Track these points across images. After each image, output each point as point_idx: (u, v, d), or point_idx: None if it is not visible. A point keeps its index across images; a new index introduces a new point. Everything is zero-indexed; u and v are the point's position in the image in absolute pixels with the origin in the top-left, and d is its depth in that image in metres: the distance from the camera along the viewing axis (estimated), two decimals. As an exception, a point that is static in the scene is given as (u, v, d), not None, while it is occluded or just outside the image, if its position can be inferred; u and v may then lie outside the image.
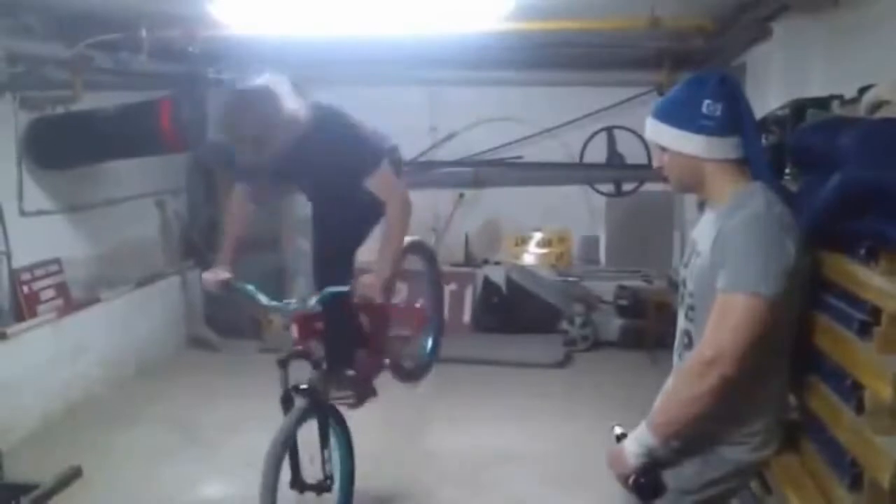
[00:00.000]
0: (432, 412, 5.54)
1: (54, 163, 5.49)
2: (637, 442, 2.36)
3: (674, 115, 2.39)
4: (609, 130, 7.08)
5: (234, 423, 5.31)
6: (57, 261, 5.64)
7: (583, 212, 7.36)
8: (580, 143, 7.01)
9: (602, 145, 7.16)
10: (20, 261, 5.30)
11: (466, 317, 7.33)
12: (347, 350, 4.02)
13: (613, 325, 7.07)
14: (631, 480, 2.38)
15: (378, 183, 3.59)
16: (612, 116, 7.11)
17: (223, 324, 7.11)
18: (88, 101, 5.49)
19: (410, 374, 4.48)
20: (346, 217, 3.87)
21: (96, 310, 5.84)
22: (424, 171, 7.22)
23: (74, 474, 4.40)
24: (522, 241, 7.54)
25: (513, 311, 7.13)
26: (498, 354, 6.59)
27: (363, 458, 3.99)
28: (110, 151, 5.54)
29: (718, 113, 2.31)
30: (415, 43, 5.75)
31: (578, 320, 6.98)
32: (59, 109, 5.50)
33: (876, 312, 2.20)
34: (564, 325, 7.03)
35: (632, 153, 6.98)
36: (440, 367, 4.70)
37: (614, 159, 7.15)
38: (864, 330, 2.25)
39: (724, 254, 2.24)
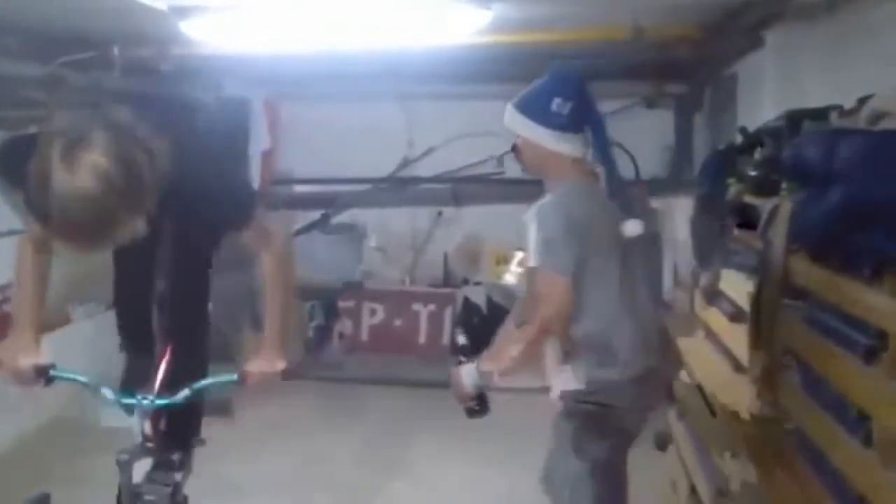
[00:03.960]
0: (417, 449, 5.27)
1: (25, 182, 5.28)
2: (471, 377, 2.89)
3: (528, 106, 2.77)
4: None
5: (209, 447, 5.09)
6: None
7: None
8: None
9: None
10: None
11: (445, 339, 7.12)
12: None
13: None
14: (465, 407, 2.94)
15: (252, 236, 2.75)
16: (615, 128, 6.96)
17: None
18: (62, 120, 5.29)
19: None
20: (196, 271, 3.11)
21: (67, 330, 5.68)
22: (401, 188, 7.08)
23: (42, 500, 4.22)
24: (504, 260, 7.33)
25: (494, 333, 6.87)
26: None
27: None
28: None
29: (566, 111, 2.71)
30: (389, 57, 5.63)
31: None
32: (33, 129, 5.31)
33: (882, 336, 2.07)
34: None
35: (619, 168, 6.86)
36: (420, 394, 4.35)
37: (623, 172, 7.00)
38: (870, 355, 2.11)
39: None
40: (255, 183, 6.64)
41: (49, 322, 5.42)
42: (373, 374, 6.58)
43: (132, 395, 2.69)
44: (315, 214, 7.46)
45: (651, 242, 3.06)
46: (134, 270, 3.16)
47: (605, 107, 6.81)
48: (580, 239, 2.74)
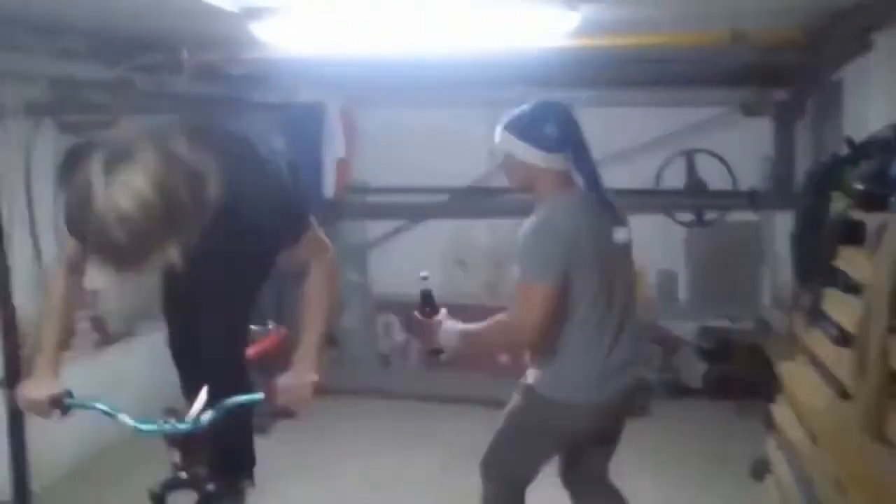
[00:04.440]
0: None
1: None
2: (448, 336, 3.07)
3: (520, 128, 3.04)
4: (689, 154, 6.57)
5: (277, 466, 4.89)
6: (92, 293, 5.32)
7: (658, 244, 6.71)
8: (655, 169, 6.51)
9: (680, 170, 6.65)
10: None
11: (527, 358, 6.76)
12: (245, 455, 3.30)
13: (695, 370, 6.43)
14: (430, 351, 3.16)
15: (304, 248, 2.71)
16: (689, 138, 6.55)
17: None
18: (128, 126, 5.13)
19: None
20: (234, 288, 3.04)
21: (133, 344, 5.53)
22: (482, 199, 6.77)
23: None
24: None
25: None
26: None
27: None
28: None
29: (556, 133, 3.00)
30: (472, 61, 5.34)
31: (656, 364, 6.39)
32: (98, 134, 5.17)
33: None
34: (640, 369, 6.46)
35: (714, 179, 6.44)
36: (488, 413, 4.11)
37: (694, 186, 6.60)
38: None
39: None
40: (329, 191, 6.45)
41: (113, 335, 5.35)
42: (450, 393, 6.29)
43: (153, 422, 2.57)
44: (392, 225, 7.23)
45: (628, 252, 3.22)
46: (181, 287, 3.09)
47: (698, 114, 6.66)
48: (565, 252, 2.93)
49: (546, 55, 5.10)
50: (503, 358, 6.78)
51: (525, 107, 3.09)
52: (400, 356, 7.00)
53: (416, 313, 3.16)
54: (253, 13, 4.27)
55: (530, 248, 2.95)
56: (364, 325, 6.96)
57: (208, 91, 5.52)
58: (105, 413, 2.57)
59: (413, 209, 6.97)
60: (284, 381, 2.66)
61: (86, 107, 4.98)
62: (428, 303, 3.15)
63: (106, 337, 5.39)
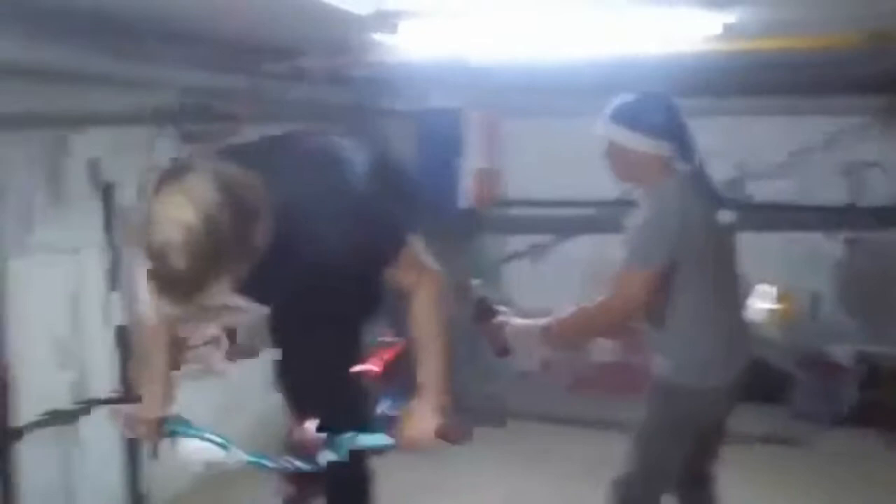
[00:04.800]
0: None
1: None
2: (520, 334, 3.13)
3: (626, 117, 3.11)
4: (853, 166, 6.02)
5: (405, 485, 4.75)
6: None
7: (812, 261, 6.29)
8: (809, 181, 6.01)
9: (838, 184, 6.11)
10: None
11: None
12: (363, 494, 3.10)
13: (852, 397, 5.97)
14: (499, 352, 3.17)
15: (404, 272, 2.47)
16: (849, 148, 6.04)
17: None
18: (251, 134, 5.01)
19: None
20: (338, 312, 2.84)
21: (257, 363, 5.28)
22: (627, 213, 6.39)
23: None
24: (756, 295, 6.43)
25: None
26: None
27: None
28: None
29: (659, 121, 3.08)
30: (617, 68, 4.89)
31: (811, 390, 5.96)
32: (220, 142, 5.08)
33: None
34: (794, 394, 6.05)
35: (876, 192, 5.90)
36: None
37: (856, 200, 6.05)
38: None
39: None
40: (466, 203, 6.21)
41: (238, 352, 5.25)
42: (593, 415, 5.97)
43: (269, 458, 2.51)
44: (535, 239, 6.94)
45: (733, 234, 3.22)
46: (284, 311, 2.89)
47: (831, 124, 6.11)
48: (671, 237, 2.98)
49: (690, 61, 4.77)
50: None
51: (628, 96, 3.17)
52: (540, 374, 6.69)
53: (477, 320, 3.20)
54: (384, 17, 4.09)
55: (637, 233, 3.04)
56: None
57: (338, 98, 5.34)
58: (217, 444, 2.47)
59: (557, 223, 6.67)
60: (407, 427, 2.43)
61: (209, 115, 4.91)
62: (485, 308, 3.19)
63: (235, 350, 5.26)
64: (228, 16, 4.01)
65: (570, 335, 3.33)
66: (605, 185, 6.30)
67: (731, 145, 6.14)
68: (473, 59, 4.74)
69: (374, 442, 2.45)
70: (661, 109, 3.13)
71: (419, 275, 2.49)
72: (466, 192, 6.20)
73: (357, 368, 2.70)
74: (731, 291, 3.23)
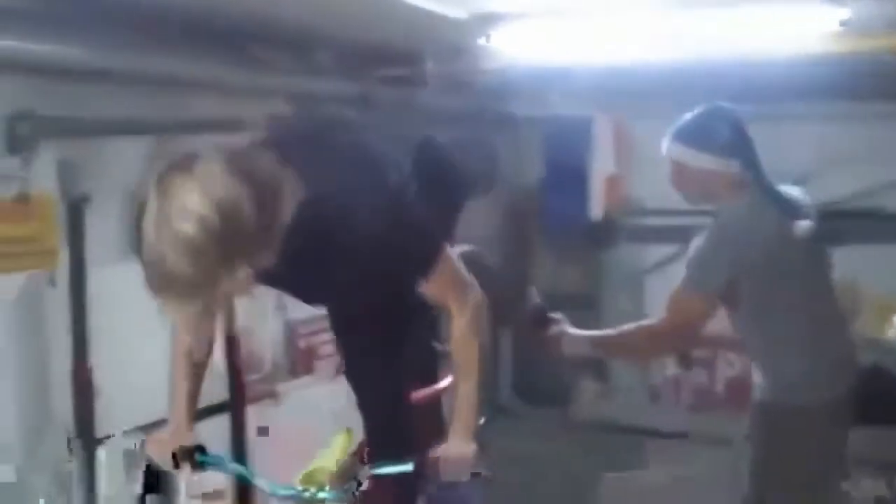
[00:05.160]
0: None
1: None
2: (574, 342, 3.13)
3: (690, 135, 3.00)
4: None
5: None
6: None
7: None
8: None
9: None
10: (297, 313, 4.83)
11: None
12: None
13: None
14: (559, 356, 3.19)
15: (437, 287, 2.30)
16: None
17: (528, 387, 6.41)
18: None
19: None
20: (381, 331, 2.67)
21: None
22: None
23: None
24: (891, 311, 6.01)
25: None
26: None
27: None
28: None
29: (726, 137, 2.96)
30: (746, 70, 4.75)
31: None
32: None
33: None
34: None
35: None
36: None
37: None
38: None
39: None
40: (597, 212, 6.02)
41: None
42: (724, 435, 5.67)
43: (291, 488, 2.35)
44: (668, 250, 6.68)
45: (818, 245, 3.07)
46: (338, 323, 2.89)
47: None
48: (733, 260, 2.88)
49: (837, 60, 4.36)
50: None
51: (691, 113, 3.08)
52: (672, 391, 6.44)
53: (532, 327, 3.19)
54: (486, 20, 4.01)
55: (695, 255, 2.96)
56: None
57: (458, 105, 5.26)
58: (239, 476, 2.46)
59: (695, 232, 6.40)
60: (444, 456, 2.31)
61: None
62: (540, 316, 3.18)
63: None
64: (345, 21, 4.02)
65: (620, 352, 3.41)
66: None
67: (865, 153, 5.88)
68: (597, 61, 4.56)
69: (395, 468, 2.33)
70: (727, 125, 3.02)
71: (456, 293, 2.33)
72: (596, 199, 6.00)
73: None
74: (825, 303, 3.10)
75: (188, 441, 2.43)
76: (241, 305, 3.82)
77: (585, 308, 6.29)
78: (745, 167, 2.98)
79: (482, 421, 2.50)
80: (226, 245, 1.82)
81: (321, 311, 2.93)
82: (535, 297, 3.25)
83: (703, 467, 5.25)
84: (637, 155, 6.26)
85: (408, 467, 2.29)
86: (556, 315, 3.20)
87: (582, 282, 6.36)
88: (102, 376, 3.60)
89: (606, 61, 4.50)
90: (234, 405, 3.97)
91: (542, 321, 3.18)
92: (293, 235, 2.00)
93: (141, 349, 3.75)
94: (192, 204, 1.80)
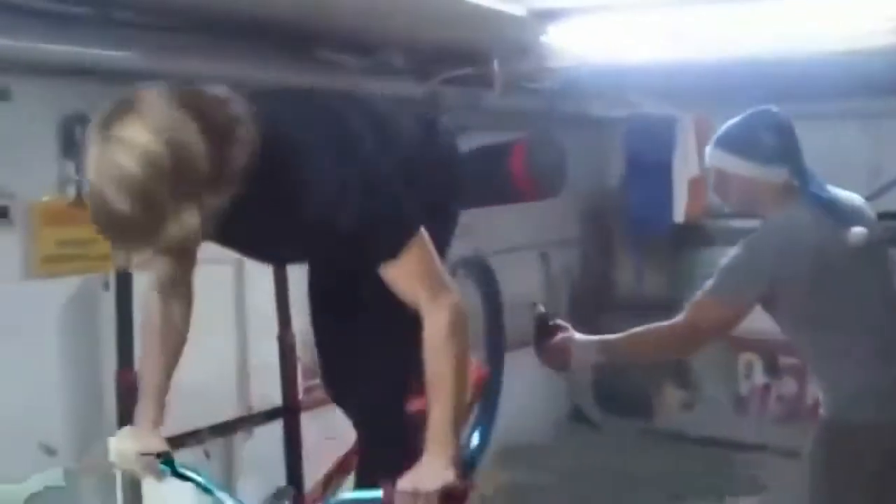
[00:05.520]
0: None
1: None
2: (584, 348, 2.95)
3: (733, 143, 2.86)
4: None
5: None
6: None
7: None
8: None
9: None
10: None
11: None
12: None
13: None
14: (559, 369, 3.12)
15: (405, 277, 2.04)
16: None
17: (610, 397, 6.24)
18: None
19: None
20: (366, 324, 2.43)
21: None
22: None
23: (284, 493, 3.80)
24: None
25: None
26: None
27: None
28: (462, 199, 4.94)
29: (772, 144, 2.80)
30: (847, 66, 4.48)
31: None
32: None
33: None
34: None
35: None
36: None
37: None
38: None
39: None
40: (680, 216, 5.82)
41: None
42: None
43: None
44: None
45: (878, 250, 2.91)
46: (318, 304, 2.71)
47: None
48: (768, 273, 2.75)
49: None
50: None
51: (735, 119, 2.94)
52: (759, 401, 6.21)
53: (537, 338, 3.04)
54: (545, 16, 3.89)
55: (732, 262, 2.83)
56: (721, 365, 6.27)
57: (526, 105, 5.14)
58: (202, 487, 2.19)
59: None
60: (406, 482, 1.98)
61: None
62: (544, 325, 3.04)
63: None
64: (413, 22, 3.96)
65: (629, 355, 3.17)
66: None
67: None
68: (666, 56, 4.37)
69: (363, 496, 2.10)
70: (772, 130, 2.86)
71: (427, 290, 2.05)
72: (678, 202, 5.80)
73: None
74: (889, 314, 2.88)
75: (154, 442, 2.22)
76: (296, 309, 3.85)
77: (667, 311, 6.12)
78: (792, 174, 2.83)
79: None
80: (172, 183, 1.69)
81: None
82: (538, 306, 3.12)
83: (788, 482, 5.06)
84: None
85: (376, 494, 2.01)
86: (562, 323, 3.06)
87: (664, 285, 6.18)
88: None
89: (676, 57, 4.33)
90: (288, 412, 3.89)
91: (548, 330, 3.03)
92: (249, 185, 1.85)
93: (187, 353, 3.76)
94: (136, 138, 1.68)
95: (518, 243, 5.92)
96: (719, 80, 5.07)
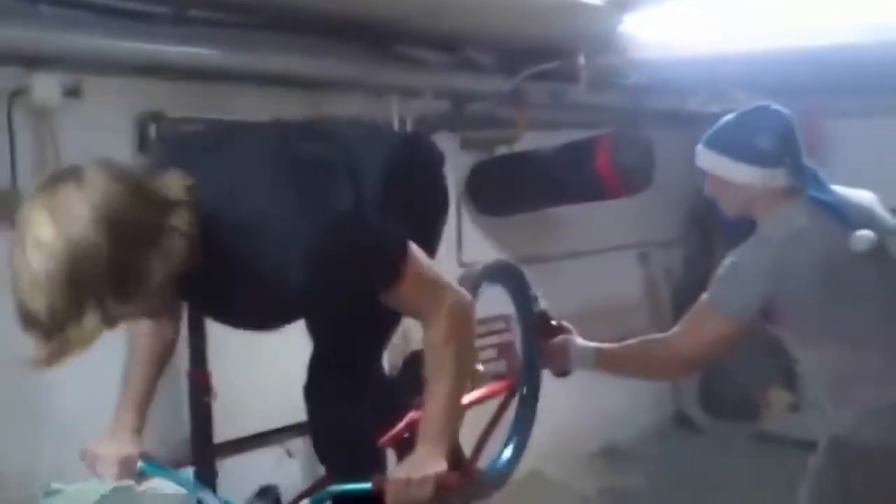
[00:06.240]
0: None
1: (495, 209, 5.01)
2: (582, 354, 2.74)
3: (726, 144, 2.60)
4: None
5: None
6: (504, 318, 5.09)
7: None
8: None
9: None
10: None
11: None
12: None
13: None
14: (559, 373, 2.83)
15: (406, 298, 1.97)
16: None
17: (714, 400, 6.08)
18: (531, 141, 4.88)
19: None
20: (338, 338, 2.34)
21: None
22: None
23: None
24: None
25: None
26: None
27: None
28: (548, 197, 4.90)
29: (769, 145, 2.54)
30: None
31: None
32: (502, 150, 4.99)
33: None
34: None
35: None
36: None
37: None
38: None
39: None
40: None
41: None
42: None
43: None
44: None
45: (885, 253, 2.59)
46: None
47: None
48: (766, 286, 2.50)
49: None
50: None
51: (729, 117, 2.69)
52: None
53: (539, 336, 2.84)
54: (623, 5, 3.82)
55: (726, 272, 2.58)
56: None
57: (615, 101, 5.06)
58: (183, 486, 2.12)
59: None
60: (397, 472, 1.97)
61: (488, 122, 4.82)
62: (545, 324, 2.83)
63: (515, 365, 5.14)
64: (495, 17, 3.94)
65: (621, 366, 2.85)
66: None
67: None
68: (768, 47, 4.20)
69: (351, 486, 1.99)
70: (768, 130, 2.58)
71: (429, 300, 1.99)
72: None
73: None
74: None
75: (134, 448, 2.14)
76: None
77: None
78: (791, 176, 2.57)
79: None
80: (77, 283, 1.57)
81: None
82: (540, 302, 2.89)
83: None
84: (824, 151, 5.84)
85: (365, 486, 1.94)
86: (564, 323, 2.83)
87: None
88: (222, 382, 3.61)
89: (763, 49, 4.18)
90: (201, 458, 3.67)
91: (549, 329, 2.82)
92: (205, 268, 1.74)
93: (268, 352, 3.80)
94: (42, 233, 1.56)
95: (617, 243, 5.84)
96: (819, 71, 4.89)
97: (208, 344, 3.56)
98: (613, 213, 5.42)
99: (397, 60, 4.25)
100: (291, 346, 3.43)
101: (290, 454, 4.08)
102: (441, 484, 1.92)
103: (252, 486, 3.90)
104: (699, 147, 2.68)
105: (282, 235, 1.79)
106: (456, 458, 2.06)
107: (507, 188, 4.95)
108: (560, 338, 2.78)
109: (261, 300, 1.90)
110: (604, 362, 2.75)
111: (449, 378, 2.01)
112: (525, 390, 3.02)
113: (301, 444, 4.07)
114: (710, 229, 6.31)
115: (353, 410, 2.26)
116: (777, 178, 2.56)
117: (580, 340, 2.77)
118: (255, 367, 3.94)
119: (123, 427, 2.16)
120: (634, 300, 6.16)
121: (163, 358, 2.24)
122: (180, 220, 1.67)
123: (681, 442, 5.91)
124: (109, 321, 1.63)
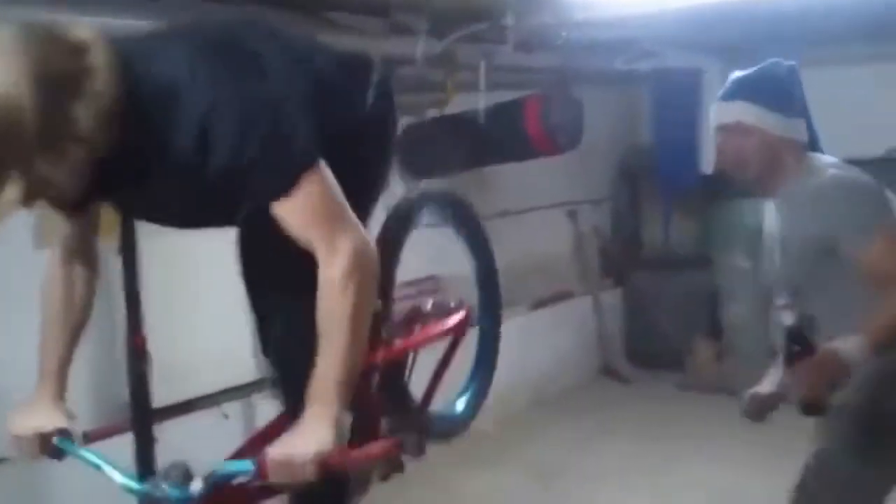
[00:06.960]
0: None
1: (426, 171, 5.03)
2: (853, 353, 2.29)
3: (757, 92, 2.48)
4: None
5: (606, 473, 4.77)
6: (433, 278, 5.16)
7: None
8: None
9: None
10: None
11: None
12: None
13: None
14: (808, 406, 2.34)
15: (297, 215, 1.79)
16: None
17: (640, 352, 6.22)
18: (461, 104, 4.90)
19: (418, 445, 2.57)
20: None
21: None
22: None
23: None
24: None
25: None
26: None
27: None
28: (480, 157, 4.96)
29: (796, 95, 2.51)
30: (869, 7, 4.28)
31: None
32: (433, 113, 5.02)
33: None
34: None
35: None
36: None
37: None
38: None
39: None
40: (709, 167, 5.76)
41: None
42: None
43: (143, 481, 1.88)
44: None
45: None
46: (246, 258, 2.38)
47: None
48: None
49: None
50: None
51: (750, 70, 2.59)
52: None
53: (789, 358, 2.38)
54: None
55: (863, 195, 2.44)
56: (753, 318, 6.20)
57: (544, 62, 5.09)
58: (94, 465, 1.96)
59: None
60: (276, 451, 1.78)
61: (418, 86, 4.81)
62: (798, 341, 2.35)
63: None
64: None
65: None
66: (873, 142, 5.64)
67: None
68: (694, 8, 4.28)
69: (234, 468, 1.87)
70: (795, 82, 2.54)
71: (324, 231, 1.80)
72: (707, 153, 5.74)
73: None
74: None
75: (54, 418, 2.02)
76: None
77: (696, 267, 6.08)
78: (808, 132, 2.55)
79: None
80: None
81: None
82: (790, 316, 2.39)
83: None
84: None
85: (247, 466, 1.81)
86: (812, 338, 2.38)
87: (695, 239, 6.14)
88: (159, 347, 3.55)
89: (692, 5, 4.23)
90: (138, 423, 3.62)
91: (805, 346, 2.34)
92: (123, 141, 1.67)
93: (204, 317, 3.82)
94: None
95: (546, 202, 5.92)
96: (742, 28, 4.98)
97: (145, 310, 3.53)
98: (544, 172, 5.51)
99: (328, 26, 4.23)
100: (227, 312, 3.48)
101: (226, 416, 4.13)
102: (324, 464, 1.75)
103: (191, 450, 3.91)
104: (720, 103, 2.55)
105: (195, 102, 1.73)
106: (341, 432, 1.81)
107: (439, 149, 4.97)
108: (822, 349, 2.34)
109: (180, 182, 1.82)
110: (877, 346, 2.32)
111: (346, 334, 1.80)
112: (483, 332, 3.02)
113: (238, 407, 4.15)
114: (638, 187, 6.45)
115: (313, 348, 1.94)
116: (799, 130, 2.51)
117: (838, 343, 2.32)
118: (192, 331, 3.99)
119: (45, 397, 2.04)
120: (564, 257, 6.26)
121: (80, 319, 2.09)
122: (97, 60, 1.62)
123: (608, 393, 6.06)
124: (31, 191, 1.57)
